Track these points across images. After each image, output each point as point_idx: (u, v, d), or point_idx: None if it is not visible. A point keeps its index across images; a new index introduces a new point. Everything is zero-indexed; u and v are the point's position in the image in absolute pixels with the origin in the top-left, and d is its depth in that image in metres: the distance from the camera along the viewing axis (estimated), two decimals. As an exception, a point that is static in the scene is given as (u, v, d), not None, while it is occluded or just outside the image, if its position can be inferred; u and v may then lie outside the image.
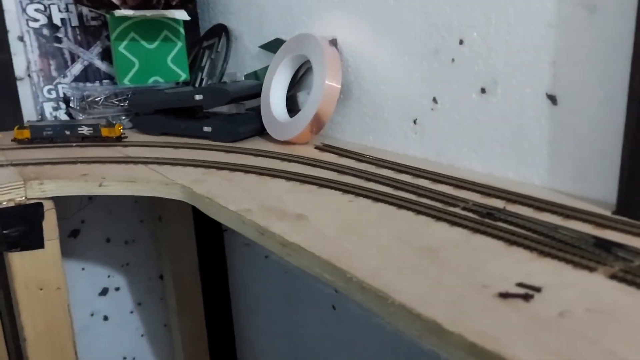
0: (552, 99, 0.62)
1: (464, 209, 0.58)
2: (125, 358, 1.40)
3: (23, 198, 0.78)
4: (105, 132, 0.96)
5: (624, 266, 0.43)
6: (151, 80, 1.14)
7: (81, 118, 1.07)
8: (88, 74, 1.19)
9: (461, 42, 0.70)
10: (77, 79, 1.18)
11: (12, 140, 0.99)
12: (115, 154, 0.90)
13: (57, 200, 0.82)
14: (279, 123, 0.93)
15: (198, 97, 0.96)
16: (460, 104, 0.72)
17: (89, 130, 0.94)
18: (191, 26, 1.23)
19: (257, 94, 0.99)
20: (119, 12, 1.03)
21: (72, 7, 1.17)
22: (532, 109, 0.64)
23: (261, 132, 0.97)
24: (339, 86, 0.87)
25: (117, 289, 1.35)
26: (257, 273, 1.31)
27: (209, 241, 1.34)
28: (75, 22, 1.18)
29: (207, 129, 0.97)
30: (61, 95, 1.16)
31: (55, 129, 0.96)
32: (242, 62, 1.16)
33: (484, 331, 0.36)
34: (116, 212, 1.30)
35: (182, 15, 1.07)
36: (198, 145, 0.93)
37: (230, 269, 1.40)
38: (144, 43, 1.12)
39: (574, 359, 0.33)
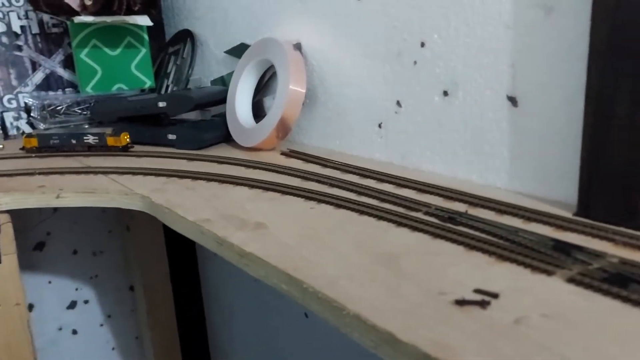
0: (513, 100, 0.61)
1: (426, 213, 0.58)
2: (96, 372, 1.37)
3: (-24, 212, 0.75)
4: (110, 141, 0.93)
5: (582, 269, 0.43)
6: (115, 87, 1.12)
7: (87, 126, 1.05)
8: (50, 83, 1.17)
9: (422, 44, 0.70)
10: (39, 87, 1.15)
11: (20, 149, 0.97)
12: (75, 164, 0.87)
13: (15, 213, 0.79)
14: (245, 129, 0.92)
15: (161, 104, 0.94)
16: (423, 107, 0.72)
17: (94, 139, 0.92)
18: (156, 32, 1.21)
19: (223, 100, 0.97)
20: (79, 19, 1.01)
21: (32, 14, 1.14)
22: (492, 111, 0.63)
23: (227, 138, 0.96)
24: (304, 90, 0.86)
25: (86, 301, 1.32)
26: (230, 281, 1.29)
27: (180, 250, 1.32)
28: (35, 30, 1.15)
29: (171, 136, 0.95)
30: (22, 104, 1.13)
31: (61, 137, 0.94)
32: (208, 67, 1.14)
33: (438, 340, 0.35)
34: (83, 223, 1.27)
35: (144, 21, 1.05)
36: (162, 154, 0.91)
37: (203, 278, 1.38)
38: (106, 50, 1.09)
39: (527, 367, 0.32)
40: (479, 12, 0.62)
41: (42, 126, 1.06)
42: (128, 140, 0.93)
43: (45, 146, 0.95)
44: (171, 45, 1.20)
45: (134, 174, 0.80)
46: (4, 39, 1.12)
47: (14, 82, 1.13)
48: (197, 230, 0.59)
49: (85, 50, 1.08)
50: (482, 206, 0.59)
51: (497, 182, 0.65)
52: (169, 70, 1.18)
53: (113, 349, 1.38)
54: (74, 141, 0.93)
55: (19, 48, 1.13)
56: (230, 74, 1.03)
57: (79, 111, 1.07)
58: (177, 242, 1.31)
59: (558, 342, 0.34)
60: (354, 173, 0.74)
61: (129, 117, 1.00)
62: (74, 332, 1.32)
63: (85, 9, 1.02)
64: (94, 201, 0.75)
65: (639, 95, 0.48)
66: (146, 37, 1.12)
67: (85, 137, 0.93)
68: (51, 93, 1.16)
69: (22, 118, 1.14)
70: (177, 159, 0.88)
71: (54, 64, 1.16)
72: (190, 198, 0.68)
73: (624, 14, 0.48)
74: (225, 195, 0.69)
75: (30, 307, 1.25)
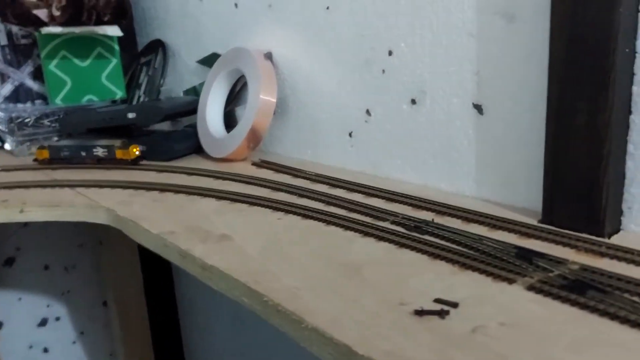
0: (478, 108, 0.61)
1: (393, 222, 0.57)
2: (69, 390, 1.34)
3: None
4: (119, 154, 0.89)
5: (543, 276, 0.43)
6: (85, 99, 1.10)
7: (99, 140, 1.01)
8: (19, 95, 1.14)
9: (390, 53, 0.70)
10: (7, 99, 1.13)
11: (33, 160, 0.95)
12: (42, 177, 0.86)
13: (-22, 228, 0.77)
14: (216, 140, 0.91)
15: (131, 115, 0.93)
16: (392, 116, 0.72)
17: (103, 152, 0.89)
18: (128, 42, 1.20)
19: (195, 110, 0.96)
20: (47, 30, 1.00)
21: (0, 26, 1.12)
22: (459, 119, 0.63)
23: (199, 149, 0.95)
24: (274, 100, 0.85)
25: (58, 318, 1.29)
26: (205, 295, 1.27)
27: (154, 264, 1.30)
28: (4, 41, 1.13)
29: (141, 147, 0.93)
30: (-10, 117, 1.11)
31: (71, 149, 0.91)
32: (180, 77, 1.13)
33: (395, 352, 0.35)
34: (54, 238, 1.25)
35: (114, 31, 1.04)
36: (131, 166, 0.89)
37: (178, 292, 1.36)
38: (76, 61, 1.08)
39: (482, 378, 0.32)
40: (444, 20, 0.62)
41: (9, 139, 1.04)
42: (138, 153, 0.89)
43: (56, 158, 0.92)
44: (143, 56, 1.19)
45: (100, 186, 0.79)
46: (-29, 51, 1.10)
47: (-18, 95, 1.11)
48: (160, 243, 0.58)
49: (55, 62, 1.06)
50: (449, 214, 0.58)
51: (466, 189, 0.65)
52: (140, 81, 1.16)
53: (87, 365, 1.35)
54: (83, 153, 0.90)
55: (-13, 60, 1.11)
56: (202, 84, 1.02)
57: (48, 123, 1.05)
58: (152, 256, 1.27)
59: (514, 351, 0.34)
60: (324, 183, 0.73)
61: (99, 128, 0.98)
62: (46, 350, 1.29)
63: (53, 20, 1.01)
64: (58, 215, 0.73)
65: (598, 104, 0.48)
66: (117, 47, 1.11)
67: (94, 149, 0.90)
68: (20, 105, 1.14)
69: (-10, 131, 1.11)
70: (146, 170, 0.87)
71: (23, 76, 1.14)
72: (156, 210, 0.67)
73: (581, 24, 0.48)
74: (192, 207, 0.68)
75: (0, 325, 1.21)
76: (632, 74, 0.49)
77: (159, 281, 1.33)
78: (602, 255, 0.46)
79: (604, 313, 0.38)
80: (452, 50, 0.62)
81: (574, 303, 0.39)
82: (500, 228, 0.54)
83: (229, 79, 0.94)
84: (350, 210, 0.62)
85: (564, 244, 0.49)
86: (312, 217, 0.61)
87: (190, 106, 0.96)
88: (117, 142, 0.89)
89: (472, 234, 0.52)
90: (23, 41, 1.14)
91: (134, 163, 0.89)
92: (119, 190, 0.77)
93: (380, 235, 0.54)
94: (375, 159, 0.76)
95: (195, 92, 1.08)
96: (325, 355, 0.38)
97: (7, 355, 1.23)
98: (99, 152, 0.89)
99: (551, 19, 0.50)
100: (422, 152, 0.69)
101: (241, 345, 1.20)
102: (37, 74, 1.15)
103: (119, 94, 1.13)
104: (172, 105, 0.94)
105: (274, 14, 0.87)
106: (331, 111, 0.81)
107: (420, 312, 0.39)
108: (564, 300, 0.40)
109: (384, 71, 0.71)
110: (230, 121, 0.97)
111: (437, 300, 0.41)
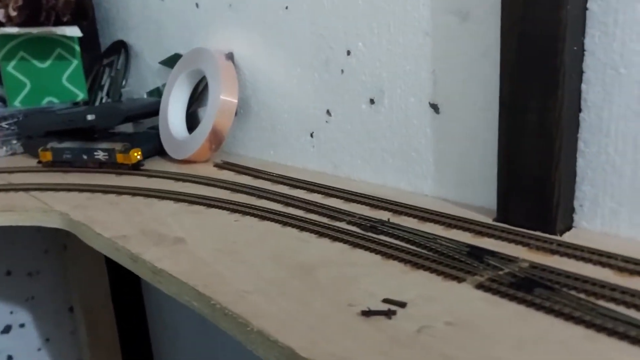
0: (435, 107, 0.61)
1: (349, 223, 0.57)
2: (34, 399, 1.31)
3: None
4: (120, 158, 0.85)
5: (493, 275, 0.43)
6: (45, 101, 1.08)
7: None
8: (-23, 97, 1.11)
9: (349, 52, 0.69)
10: (-35, 102, 1.10)
11: (37, 163, 0.92)
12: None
13: None
14: (177, 141, 0.89)
15: (90, 117, 0.91)
16: (352, 116, 0.71)
17: (104, 155, 0.85)
18: (91, 43, 1.17)
19: (157, 112, 0.94)
20: (3, 30, 0.97)
21: (-44, 26, 1.09)
22: (417, 118, 0.63)
23: (162, 151, 0.93)
24: (236, 100, 0.84)
25: (22, 325, 1.26)
26: (174, 299, 1.25)
27: (121, 268, 1.27)
28: (-40, 42, 1.10)
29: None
30: (-55, 120, 1.08)
31: (73, 152, 0.88)
32: (144, 78, 1.11)
33: (339, 354, 0.34)
34: (17, 242, 1.21)
35: (74, 32, 1.01)
36: (90, 169, 0.88)
37: (146, 296, 1.34)
38: (35, 62, 1.05)
39: (423, 379, 0.31)
40: (400, 19, 0.62)
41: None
42: (139, 157, 0.85)
43: (59, 160, 0.90)
44: (106, 57, 1.17)
45: (56, 190, 0.77)
46: None
47: (-63, 97, 1.08)
48: (112, 247, 0.57)
49: (13, 63, 1.04)
50: (406, 214, 0.58)
51: (425, 189, 0.65)
52: (103, 83, 1.14)
53: (52, 373, 1.32)
54: (85, 156, 0.87)
55: (-57, 61, 1.08)
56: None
57: (7, 126, 1.02)
58: (118, 260, 1.26)
59: (458, 350, 0.34)
60: (285, 184, 0.73)
61: (58, 131, 0.96)
62: (10, 358, 1.25)
63: (10, 20, 0.98)
64: (12, 220, 0.71)
65: (547, 102, 0.48)
66: (77, 48, 1.08)
67: (95, 153, 0.86)
68: (-22, 108, 1.11)
69: (-54, 135, 1.08)
70: (106, 174, 0.85)
71: (-20, 78, 1.11)
72: (111, 214, 0.66)
73: (530, 22, 0.48)
74: (149, 210, 0.66)
75: (-40, 333, 1.18)
76: (582, 72, 0.49)
77: (126, 286, 1.30)
78: (553, 252, 0.46)
79: (549, 310, 0.38)
80: (409, 50, 0.62)
81: (521, 301, 0.39)
82: (456, 227, 0.54)
83: (191, 80, 0.93)
84: (308, 211, 0.61)
85: (517, 242, 0.49)
86: (269, 219, 0.60)
87: (152, 107, 0.95)
88: (118, 146, 0.85)
89: (426, 233, 0.52)
90: (-20, 42, 1.11)
91: (134, 168, 0.85)
92: (75, 194, 0.75)
93: (336, 235, 0.53)
94: (336, 159, 0.75)
95: (158, 94, 1.07)
96: (271, 358, 0.37)
97: (-32, 365, 1.19)
98: (100, 155, 0.86)
99: (502, 17, 0.50)
100: (382, 152, 0.69)
101: (211, 350, 1.19)
102: (-4, 76, 1.12)
103: (81, 95, 1.11)
104: (133, 107, 0.93)
105: (235, 14, 0.86)
106: (292, 111, 0.80)
107: (367, 313, 0.38)
108: (512, 298, 0.39)
109: (343, 71, 0.71)
110: (193, 122, 0.95)
111: (386, 301, 0.40)
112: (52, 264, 1.27)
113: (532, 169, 0.51)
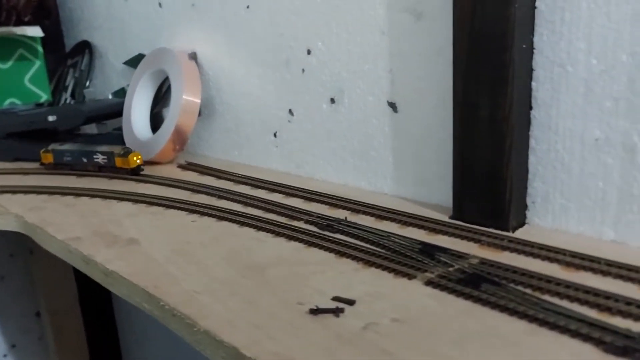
0: (393, 106, 0.62)
1: (307, 222, 0.57)
2: (-1, 408, 1.28)
3: None
4: (118, 162, 0.81)
5: (442, 271, 0.43)
6: (7, 102, 1.06)
7: None
8: (-64, 98, 1.09)
9: (309, 52, 0.69)
10: None
11: (40, 164, 0.89)
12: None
13: None
14: (141, 142, 0.88)
15: (51, 118, 0.89)
16: (313, 115, 0.71)
17: (104, 159, 0.82)
18: (55, 44, 1.15)
19: (120, 113, 0.93)
20: (-39, 30, 0.95)
21: None
22: (375, 117, 0.64)
23: (126, 152, 0.92)
24: (198, 100, 0.83)
25: (-14, 331, 1.23)
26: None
27: (89, 272, 1.25)
28: None
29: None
30: None
31: (73, 155, 0.85)
32: (109, 79, 1.10)
33: (283, 353, 0.34)
34: (-20, 248, 1.19)
35: (35, 32, 1.00)
36: (51, 171, 0.86)
37: (115, 300, 1.32)
38: (-5, 63, 1.03)
39: (363, 376, 0.31)
40: (357, 18, 0.62)
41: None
42: (139, 161, 0.80)
43: (59, 163, 0.87)
44: (70, 58, 1.15)
45: (14, 192, 0.75)
46: None
47: None
48: (65, 249, 0.56)
49: (-28, 63, 1.02)
50: (364, 212, 0.58)
51: (385, 188, 0.65)
52: (67, 83, 1.12)
53: (18, 380, 1.29)
54: (85, 159, 0.85)
55: None
56: (130, 86, 1.00)
57: (-33, 128, 1.00)
58: (86, 263, 1.24)
59: (401, 347, 0.34)
60: (247, 184, 0.72)
61: (19, 133, 0.94)
62: (-27, 365, 1.23)
63: (-32, 20, 0.96)
64: (-34, 223, 0.70)
65: (498, 99, 0.49)
66: (40, 49, 1.06)
67: (94, 156, 0.83)
68: (-63, 109, 1.08)
69: None
70: (66, 175, 0.84)
71: (-61, 79, 1.09)
72: (68, 216, 0.65)
73: (480, 19, 0.49)
74: (106, 211, 0.65)
75: None
76: (531, 70, 0.50)
77: (94, 290, 1.28)
78: (504, 248, 0.47)
79: (494, 305, 0.38)
80: (367, 48, 0.62)
81: (467, 296, 0.39)
82: (411, 225, 0.54)
83: (154, 80, 0.92)
84: (267, 210, 0.61)
85: (469, 239, 0.49)
86: (227, 219, 0.59)
87: (115, 108, 0.94)
88: (117, 149, 0.82)
89: (381, 231, 0.52)
90: (-61, 42, 1.08)
91: (134, 173, 0.80)
92: (33, 196, 0.74)
93: (292, 235, 0.53)
94: (298, 159, 0.75)
95: (123, 94, 1.05)
96: (218, 358, 0.37)
97: None
98: (99, 158, 0.83)
99: (453, 14, 0.50)
100: (342, 152, 0.69)
101: (180, 354, 1.17)
102: (-44, 77, 1.09)
103: (44, 96, 1.09)
104: (95, 108, 0.91)
105: (197, 14, 0.85)
106: (255, 111, 0.80)
107: (315, 311, 0.38)
108: (459, 294, 0.40)
109: (303, 70, 0.71)
110: (157, 123, 0.94)
111: (335, 299, 0.40)
112: (18, 268, 1.24)
113: (484, 166, 0.51)
